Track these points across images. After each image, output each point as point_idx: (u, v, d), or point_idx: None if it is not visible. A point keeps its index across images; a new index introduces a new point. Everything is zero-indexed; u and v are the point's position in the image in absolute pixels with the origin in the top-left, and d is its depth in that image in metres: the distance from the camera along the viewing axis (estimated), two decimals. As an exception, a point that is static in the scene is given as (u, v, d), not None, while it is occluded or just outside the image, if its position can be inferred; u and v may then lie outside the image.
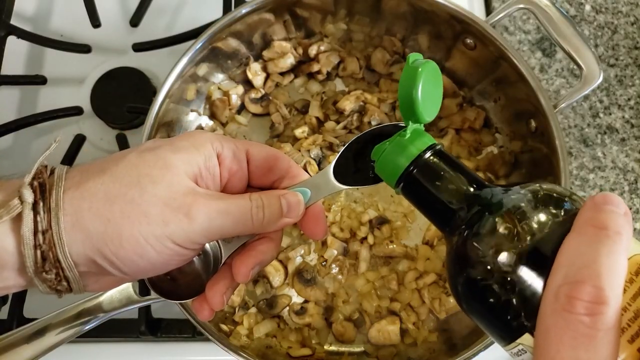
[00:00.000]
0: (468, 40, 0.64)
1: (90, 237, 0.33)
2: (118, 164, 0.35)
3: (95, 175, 0.34)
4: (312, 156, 0.67)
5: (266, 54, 0.70)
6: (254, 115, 0.71)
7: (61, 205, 0.32)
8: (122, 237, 0.33)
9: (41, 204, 0.32)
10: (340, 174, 0.39)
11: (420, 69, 0.33)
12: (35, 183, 0.33)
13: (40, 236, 0.32)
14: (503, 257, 0.28)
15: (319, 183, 0.39)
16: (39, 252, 0.32)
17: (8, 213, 0.32)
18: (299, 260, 0.65)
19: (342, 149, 0.40)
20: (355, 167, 0.39)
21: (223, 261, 0.40)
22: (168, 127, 0.63)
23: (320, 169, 0.67)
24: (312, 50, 0.70)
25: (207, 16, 0.69)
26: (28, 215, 0.32)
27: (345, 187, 0.39)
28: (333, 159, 0.40)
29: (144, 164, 0.35)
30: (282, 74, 0.71)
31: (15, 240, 0.32)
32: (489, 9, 0.78)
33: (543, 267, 0.27)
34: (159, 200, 0.34)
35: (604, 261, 0.25)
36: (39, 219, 0.32)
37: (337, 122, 0.69)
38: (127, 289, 0.53)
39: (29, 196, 0.32)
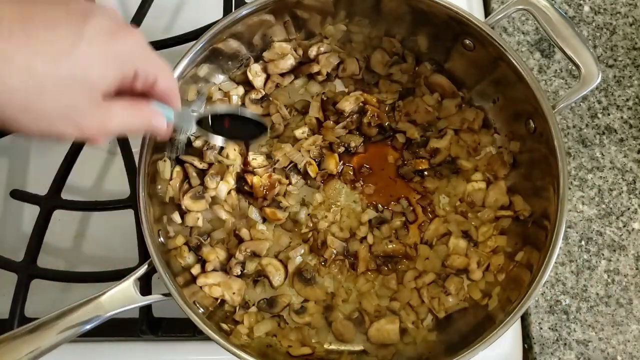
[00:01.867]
0: (467, 41, 0.65)
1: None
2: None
3: None
4: (312, 157, 0.68)
5: (266, 55, 0.70)
6: (254, 115, 0.71)
7: None
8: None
9: None
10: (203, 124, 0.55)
11: None
12: None
13: None
14: None
15: (183, 114, 0.52)
16: None
17: None
18: (299, 259, 0.65)
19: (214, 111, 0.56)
20: (217, 125, 0.55)
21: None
22: (169, 128, 0.63)
23: (320, 169, 0.68)
24: (312, 52, 0.70)
25: (207, 17, 0.69)
26: None
27: (199, 131, 0.55)
28: (208, 110, 0.53)
29: None
30: (282, 74, 0.71)
31: None
32: (487, 10, 0.79)
33: None
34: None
35: None
36: None
37: (337, 123, 0.69)
38: (128, 288, 0.54)
39: None
